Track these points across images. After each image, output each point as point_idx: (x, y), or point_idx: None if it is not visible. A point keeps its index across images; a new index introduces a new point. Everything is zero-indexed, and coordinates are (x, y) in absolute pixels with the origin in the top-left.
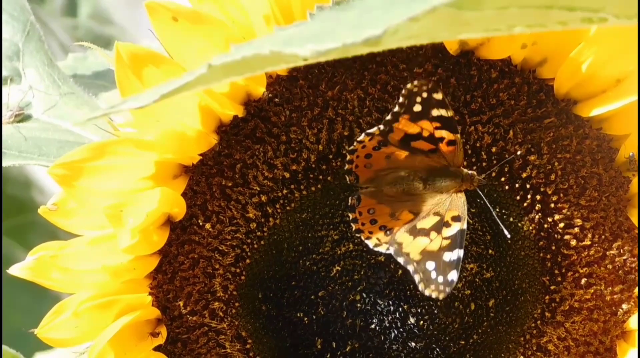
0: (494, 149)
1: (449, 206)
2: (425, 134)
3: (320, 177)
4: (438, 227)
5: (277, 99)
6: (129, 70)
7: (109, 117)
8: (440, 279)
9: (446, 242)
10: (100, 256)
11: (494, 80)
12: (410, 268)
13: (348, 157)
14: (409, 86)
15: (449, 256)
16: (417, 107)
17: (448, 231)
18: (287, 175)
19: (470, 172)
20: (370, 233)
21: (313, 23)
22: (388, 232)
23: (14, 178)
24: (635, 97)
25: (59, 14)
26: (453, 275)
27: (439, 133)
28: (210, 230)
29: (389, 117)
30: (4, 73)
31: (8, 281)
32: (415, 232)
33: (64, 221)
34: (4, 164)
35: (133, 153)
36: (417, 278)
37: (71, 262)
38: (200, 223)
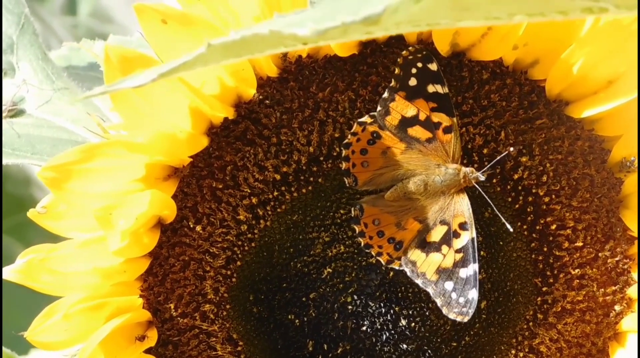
0: (485, 151)
1: (453, 211)
2: (422, 117)
3: (311, 179)
4: (448, 239)
5: (267, 101)
6: (117, 72)
7: (99, 119)
8: (462, 300)
9: (459, 256)
10: (90, 258)
11: (485, 81)
12: (430, 290)
13: (344, 152)
14: (404, 52)
15: (464, 272)
16: (413, 81)
17: (459, 243)
18: (278, 177)
19: (468, 169)
20: (380, 247)
21: (314, 9)
22: (398, 246)
23: (13, 175)
24: (627, 99)
25: (59, 12)
26: (473, 294)
27: (436, 117)
28: (201, 232)
29: (385, 94)
30: None
31: (5, 281)
32: (426, 247)
33: (54, 224)
34: None
35: (123, 155)
36: (438, 301)
37: (61, 265)
38: (191, 225)
